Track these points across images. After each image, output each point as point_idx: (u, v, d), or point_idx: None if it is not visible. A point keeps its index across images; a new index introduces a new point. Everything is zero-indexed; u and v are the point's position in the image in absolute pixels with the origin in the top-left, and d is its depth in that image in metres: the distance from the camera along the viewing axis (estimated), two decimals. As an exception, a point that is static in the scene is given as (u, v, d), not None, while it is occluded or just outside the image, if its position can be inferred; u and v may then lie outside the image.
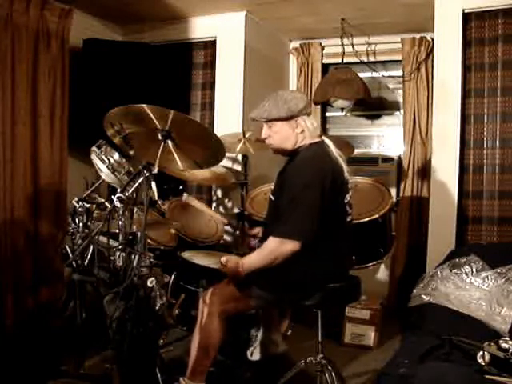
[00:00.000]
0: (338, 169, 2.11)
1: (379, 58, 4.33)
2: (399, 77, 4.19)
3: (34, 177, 3.39)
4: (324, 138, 2.20)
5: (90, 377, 2.25)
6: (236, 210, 3.85)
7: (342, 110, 4.26)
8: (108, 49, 3.76)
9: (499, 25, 3.32)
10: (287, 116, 2.10)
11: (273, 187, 2.29)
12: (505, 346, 2.20)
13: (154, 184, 2.03)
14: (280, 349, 2.61)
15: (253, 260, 2.07)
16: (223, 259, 2.12)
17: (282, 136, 2.14)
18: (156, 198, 2.51)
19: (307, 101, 2.15)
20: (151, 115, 1.88)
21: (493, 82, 3.36)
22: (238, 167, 3.99)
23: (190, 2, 3.76)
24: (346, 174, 2.15)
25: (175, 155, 2.06)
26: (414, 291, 3.13)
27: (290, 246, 1.98)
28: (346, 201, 2.14)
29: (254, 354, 2.60)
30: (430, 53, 3.95)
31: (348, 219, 2.17)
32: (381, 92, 4.48)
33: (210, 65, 4.16)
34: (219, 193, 4.18)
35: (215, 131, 3.75)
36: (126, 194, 2.00)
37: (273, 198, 2.22)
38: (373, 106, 4.41)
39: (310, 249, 2.01)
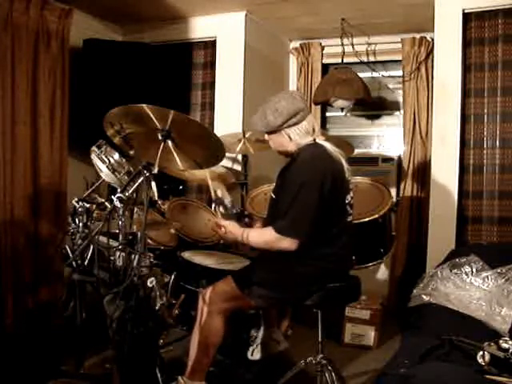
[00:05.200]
0: (339, 168, 2.10)
1: (379, 58, 4.33)
2: (399, 77, 4.19)
3: (34, 177, 3.39)
4: (318, 140, 2.13)
5: (90, 377, 2.25)
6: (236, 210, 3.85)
7: (342, 109, 4.26)
8: (108, 49, 3.76)
9: (499, 25, 3.32)
10: (268, 131, 2.13)
11: (274, 186, 2.30)
12: (505, 345, 2.20)
13: (154, 184, 2.04)
14: (281, 347, 2.61)
15: (251, 239, 2.11)
16: (223, 223, 2.21)
17: (275, 144, 2.19)
18: (156, 198, 2.51)
19: (291, 113, 2.05)
20: (151, 115, 1.88)
21: (493, 82, 3.36)
22: (238, 167, 3.99)
23: (189, 2, 3.76)
24: (347, 174, 2.14)
25: (175, 155, 2.06)
26: (414, 291, 3.13)
27: (286, 243, 1.99)
28: (346, 201, 2.13)
29: (255, 353, 2.60)
30: (430, 53, 3.95)
31: (348, 219, 2.17)
32: (381, 92, 4.48)
33: (210, 65, 4.16)
34: (219, 193, 4.17)
35: (215, 131, 3.75)
36: (126, 194, 2.00)
37: (274, 196, 2.22)
38: (373, 105, 4.40)
39: (310, 248, 2.01)
